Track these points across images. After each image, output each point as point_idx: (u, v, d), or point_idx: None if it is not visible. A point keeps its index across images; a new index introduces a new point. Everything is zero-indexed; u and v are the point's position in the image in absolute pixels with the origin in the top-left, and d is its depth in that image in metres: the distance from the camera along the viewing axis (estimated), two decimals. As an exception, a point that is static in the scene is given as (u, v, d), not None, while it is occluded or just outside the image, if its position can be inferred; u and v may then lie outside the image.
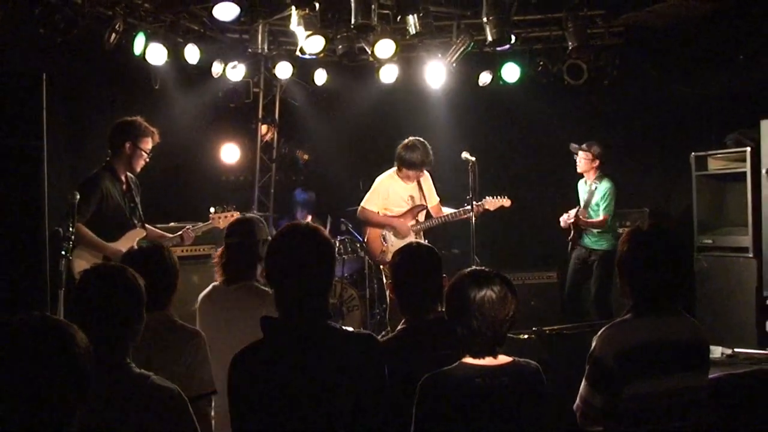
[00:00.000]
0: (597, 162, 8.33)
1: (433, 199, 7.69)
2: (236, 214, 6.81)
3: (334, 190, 9.72)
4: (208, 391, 3.61)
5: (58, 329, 2.12)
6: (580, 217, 8.30)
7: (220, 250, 4.56)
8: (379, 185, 7.58)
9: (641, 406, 3.19)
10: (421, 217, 7.61)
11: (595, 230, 8.31)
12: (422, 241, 7.34)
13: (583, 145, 8.38)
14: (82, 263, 5.86)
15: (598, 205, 8.27)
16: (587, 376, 3.31)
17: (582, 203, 8.44)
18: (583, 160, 8.38)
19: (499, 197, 7.51)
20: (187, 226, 6.64)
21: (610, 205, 8.22)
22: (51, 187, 4.88)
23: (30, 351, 2.04)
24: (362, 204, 7.59)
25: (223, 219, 6.69)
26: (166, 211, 7.54)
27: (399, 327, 3.72)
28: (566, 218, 8.39)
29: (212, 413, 3.78)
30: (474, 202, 7.16)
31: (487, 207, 7.41)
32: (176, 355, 3.56)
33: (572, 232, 8.45)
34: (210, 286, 4.54)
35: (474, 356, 3.00)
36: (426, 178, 7.64)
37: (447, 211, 7.65)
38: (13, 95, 4.76)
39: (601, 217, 8.23)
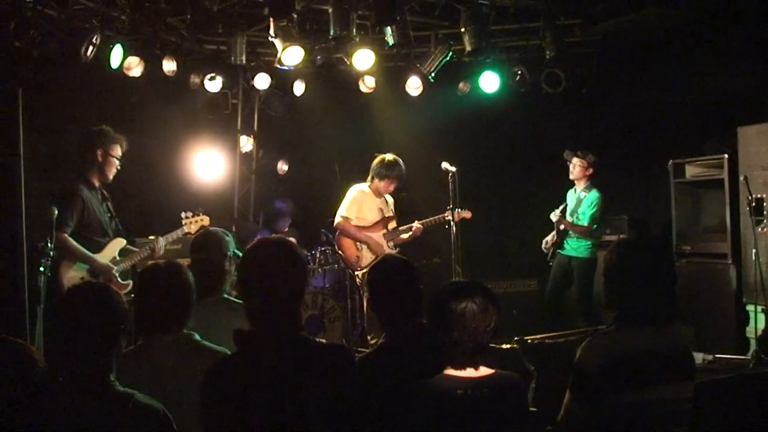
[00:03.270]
0: (590, 170, 8.35)
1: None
2: (206, 219, 6.84)
3: (314, 200, 9.69)
4: None
5: (17, 350, 2.11)
6: (566, 219, 8.32)
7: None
8: (355, 196, 7.89)
9: (626, 417, 3.18)
10: (391, 226, 7.95)
11: (575, 237, 8.32)
12: (395, 250, 7.75)
13: (578, 153, 8.41)
14: (71, 275, 5.86)
15: (584, 213, 8.25)
16: (571, 386, 3.29)
17: (569, 211, 8.46)
18: (577, 167, 8.37)
19: (460, 210, 7.67)
20: (154, 238, 6.62)
21: (597, 213, 8.20)
22: (28, 203, 4.84)
23: None
24: (340, 213, 7.86)
25: (194, 223, 6.73)
26: (145, 224, 7.49)
27: (379, 341, 3.71)
28: (555, 215, 8.44)
29: None
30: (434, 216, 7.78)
31: (447, 218, 7.64)
32: None
33: (554, 238, 8.46)
34: None
35: (455, 368, 3.00)
36: (390, 200, 8.09)
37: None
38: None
39: (584, 224, 8.23)
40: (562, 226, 8.36)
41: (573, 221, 8.35)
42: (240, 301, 3.51)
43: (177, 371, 3.43)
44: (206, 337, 3.79)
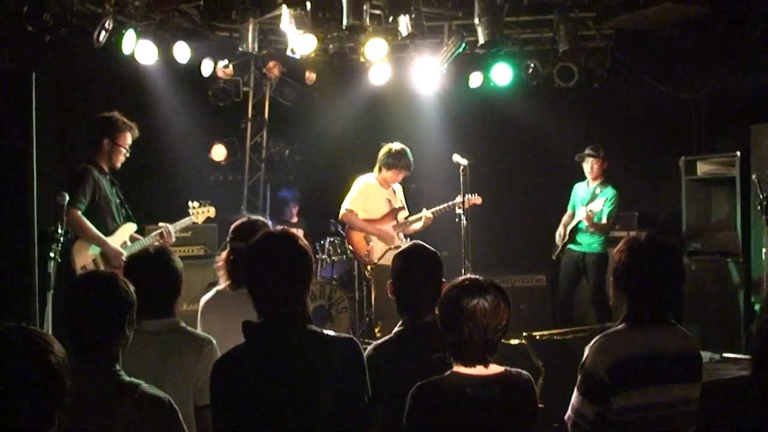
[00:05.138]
0: (606, 163, 8.29)
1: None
2: (212, 210, 6.84)
3: (324, 190, 9.68)
4: None
5: (34, 340, 2.11)
6: (588, 216, 8.10)
7: (224, 253, 4.45)
8: (361, 189, 7.76)
9: (633, 418, 3.17)
10: (401, 217, 7.82)
11: (589, 233, 8.26)
12: (406, 241, 7.57)
13: (589, 151, 8.30)
14: (84, 254, 5.88)
15: (602, 210, 8.17)
16: (579, 386, 3.28)
17: (579, 205, 8.37)
18: (595, 165, 8.27)
19: (471, 196, 7.57)
20: (164, 225, 6.61)
21: (614, 210, 8.14)
22: (40, 188, 4.85)
23: (6, 362, 2.05)
24: (345, 206, 7.74)
25: (201, 214, 6.73)
26: (154, 211, 7.49)
27: (396, 329, 3.71)
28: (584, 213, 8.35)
29: None
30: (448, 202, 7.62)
31: (458, 210, 7.49)
32: (190, 363, 3.51)
33: (566, 236, 8.41)
34: (213, 291, 4.41)
35: (465, 365, 2.98)
36: (399, 189, 7.95)
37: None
38: (2, 94, 4.72)
39: (604, 221, 8.17)
40: (584, 224, 8.25)
41: (572, 212, 8.35)
42: None
43: (163, 357, 3.46)
44: (235, 329, 3.81)
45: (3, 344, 2.06)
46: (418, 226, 7.81)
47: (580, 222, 8.24)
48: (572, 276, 8.43)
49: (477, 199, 7.73)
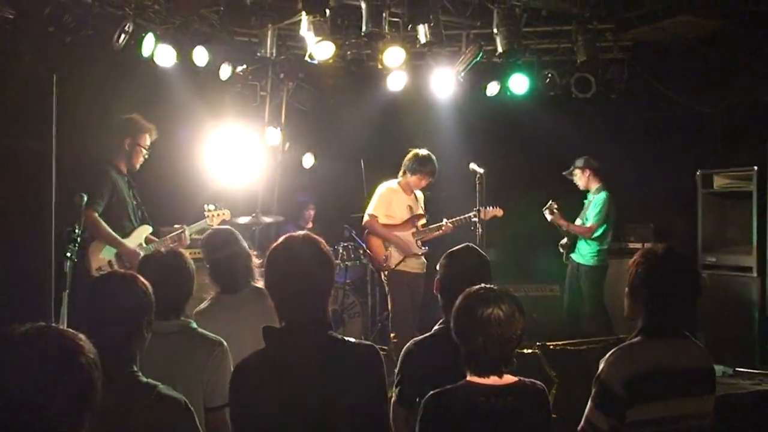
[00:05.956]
0: (588, 171, 8.40)
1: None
2: (227, 213, 6.89)
3: (339, 195, 9.68)
4: None
5: (64, 340, 2.11)
6: (563, 220, 8.39)
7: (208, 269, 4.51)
8: (383, 194, 7.81)
9: (648, 431, 3.16)
10: (420, 224, 7.85)
11: (584, 241, 8.36)
12: (424, 249, 7.68)
13: (571, 167, 8.57)
14: (99, 257, 5.92)
15: (588, 215, 8.32)
16: (594, 398, 3.26)
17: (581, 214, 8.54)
18: (579, 177, 8.53)
19: (492, 207, 7.62)
20: (179, 227, 6.65)
21: (600, 215, 8.24)
22: (59, 189, 4.88)
23: (37, 362, 2.03)
24: (368, 212, 7.79)
25: (216, 217, 6.79)
26: (168, 214, 7.51)
27: (436, 326, 3.76)
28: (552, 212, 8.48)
29: None
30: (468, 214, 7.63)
31: (482, 217, 7.52)
32: (200, 364, 3.54)
33: (566, 240, 8.49)
34: (207, 301, 4.45)
35: (479, 375, 2.98)
36: (420, 196, 8.00)
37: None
38: (22, 96, 4.76)
39: (588, 225, 8.25)
40: (562, 227, 8.42)
41: (582, 222, 8.39)
42: None
43: (173, 358, 3.48)
44: (253, 328, 3.85)
45: (34, 345, 2.05)
46: (436, 233, 7.82)
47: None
48: (574, 288, 8.52)
49: (498, 211, 7.76)
